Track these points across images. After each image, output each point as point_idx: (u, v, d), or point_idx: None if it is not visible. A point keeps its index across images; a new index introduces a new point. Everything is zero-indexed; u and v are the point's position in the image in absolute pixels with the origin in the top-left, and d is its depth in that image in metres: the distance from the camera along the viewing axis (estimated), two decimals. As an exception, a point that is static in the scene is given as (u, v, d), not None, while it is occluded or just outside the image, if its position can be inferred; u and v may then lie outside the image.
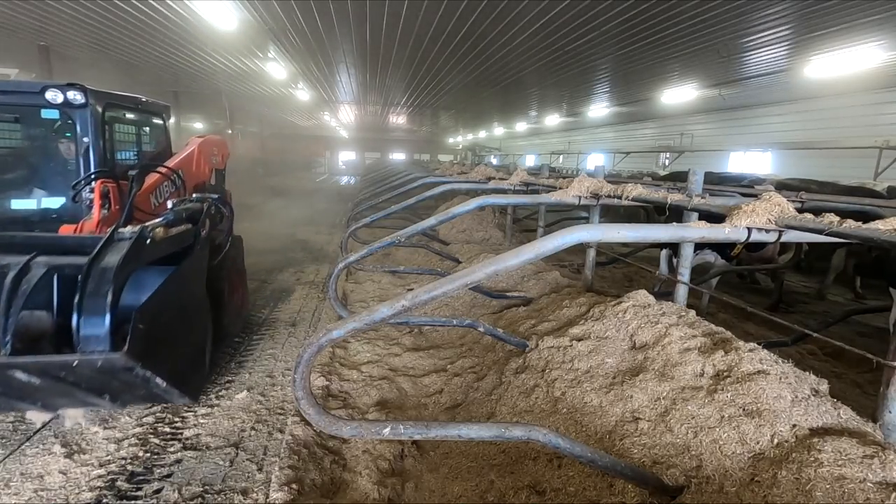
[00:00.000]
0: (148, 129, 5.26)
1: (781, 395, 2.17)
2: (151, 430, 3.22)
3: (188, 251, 3.32)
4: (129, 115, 4.78)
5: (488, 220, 9.03)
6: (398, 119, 27.83)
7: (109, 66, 12.85)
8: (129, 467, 2.84)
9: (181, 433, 3.22)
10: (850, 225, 2.08)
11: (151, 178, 4.35)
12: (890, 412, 2.03)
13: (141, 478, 2.77)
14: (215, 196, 3.95)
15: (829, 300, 6.83)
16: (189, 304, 3.26)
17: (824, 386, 2.32)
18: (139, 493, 2.65)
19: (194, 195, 3.86)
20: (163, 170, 4.43)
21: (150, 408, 3.45)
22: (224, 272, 4.12)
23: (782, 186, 6.97)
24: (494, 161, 28.67)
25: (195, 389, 3.24)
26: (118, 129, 4.58)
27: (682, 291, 3.55)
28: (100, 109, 4.11)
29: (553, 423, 2.70)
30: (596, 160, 22.38)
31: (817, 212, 2.36)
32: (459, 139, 40.11)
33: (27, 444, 3.01)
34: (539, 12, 7.66)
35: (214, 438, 3.18)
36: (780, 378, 2.26)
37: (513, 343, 3.61)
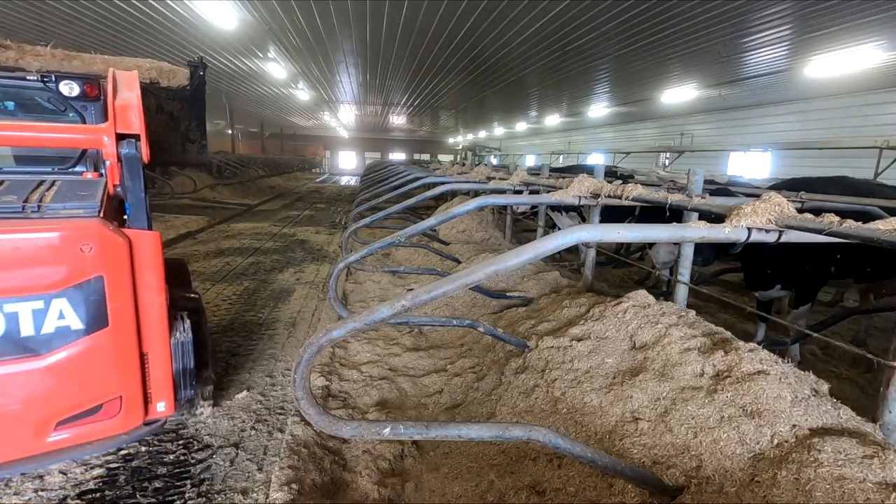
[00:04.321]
0: None
1: (781, 396, 2.17)
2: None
3: None
4: None
5: (488, 220, 9.02)
6: (398, 119, 27.85)
7: (109, 66, 12.83)
8: (131, 465, 2.84)
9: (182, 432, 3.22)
10: (850, 225, 2.07)
11: None
12: (890, 412, 2.03)
13: (141, 477, 2.77)
14: None
15: (819, 301, 6.81)
16: None
17: (824, 386, 2.31)
18: (139, 492, 2.65)
19: None
20: None
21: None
22: None
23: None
24: (494, 161, 28.67)
25: None
26: None
27: (681, 291, 3.55)
28: None
29: (553, 423, 2.70)
30: (596, 160, 22.39)
31: (817, 212, 2.36)
32: (459, 139, 40.10)
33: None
34: (539, 12, 7.66)
35: (214, 438, 3.18)
36: (780, 378, 2.26)
37: (513, 343, 3.60)
